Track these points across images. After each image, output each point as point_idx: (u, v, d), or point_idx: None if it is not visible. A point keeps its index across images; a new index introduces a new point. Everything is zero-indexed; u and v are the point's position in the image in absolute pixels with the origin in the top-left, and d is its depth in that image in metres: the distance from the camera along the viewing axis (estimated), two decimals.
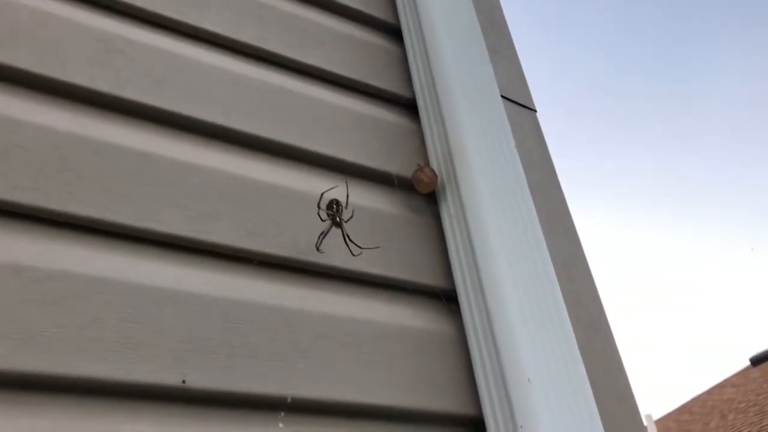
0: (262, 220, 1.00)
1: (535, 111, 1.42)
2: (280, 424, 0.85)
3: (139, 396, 0.80)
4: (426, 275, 1.10)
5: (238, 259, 0.96)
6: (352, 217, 1.04)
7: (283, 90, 1.18)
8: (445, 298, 1.09)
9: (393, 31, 1.43)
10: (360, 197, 1.11)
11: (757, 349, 11.73)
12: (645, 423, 10.61)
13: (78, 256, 0.86)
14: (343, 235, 1.01)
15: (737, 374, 11.83)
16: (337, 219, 1.02)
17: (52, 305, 0.80)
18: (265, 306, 0.93)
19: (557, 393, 0.92)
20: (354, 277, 1.04)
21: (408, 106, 1.32)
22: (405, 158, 1.22)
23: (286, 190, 1.06)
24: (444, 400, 0.98)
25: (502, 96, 1.31)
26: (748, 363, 11.76)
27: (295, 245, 1.00)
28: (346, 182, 1.08)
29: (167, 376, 0.82)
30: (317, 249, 0.99)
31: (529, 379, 0.92)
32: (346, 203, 1.04)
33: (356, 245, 1.02)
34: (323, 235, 1.00)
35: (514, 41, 1.53)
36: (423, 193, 1.19)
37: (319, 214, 1.01)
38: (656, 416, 12.54)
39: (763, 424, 8.84)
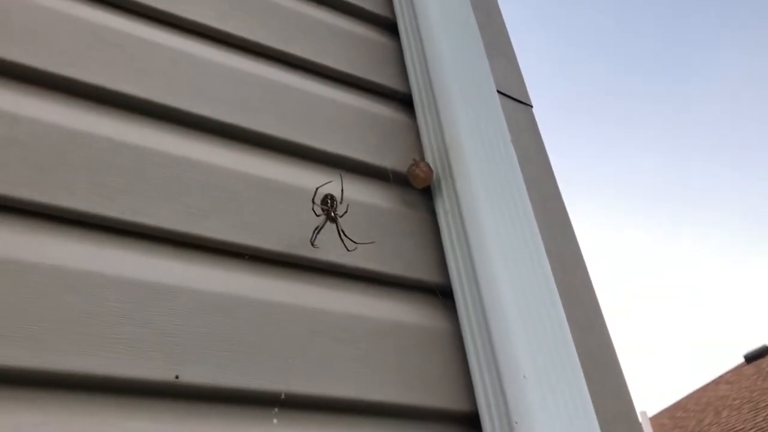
0: (256, 215, 1.00)
1: (531, 106, 1.42)
2: (274, 420, 0.84)
3: (131, 392, 0.79)
4: (421, 270, 1.10)
5: (231, 253, 0.95)
6: (346, 212, 1.03)
7: (277, 84, 1.17)
8: (441, 294, 1.09)
9: (389, 26, 1.42)
10: (355, 192, 1.10)
11: (751, 347, 11.78)
12: (640, 420, 10.64)
13: (70, 250, 0.85)
14: (338, 230, 1.01)
15: (731, 371, 11.88)
16: (332, 214, 1.01)
17: (43, 299, 0.79)
18: (258, 301, 0.92)
19: (553, 389, 0.92)
20: (348, 273, 1.03)
21: (404, 101, 1.32)
22: (400, 153, 1.21)
23: (280, 185, 1.05)
24: (439, 396, 0.98)
25: (498, 91, 1.30)
26: (742, 360, 11.81)
27: (289, 240, 1.00)
28: (341, 177, 1.08)
29: (160, 372, 0.81)
30: (312, 244, 0.98)
31: (524, 376, 0.91)
32: (341, 198, 1.04)
33: (351, 240, 1.01)
34: (318, 230, 0.99)
35: (513, 38, 1.52)
36: (418, 188, 1.18)
37: (313, 209, 1.01)
38: (651, 413, 12.57)
39: (757, 420, 8.87)
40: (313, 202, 1.01)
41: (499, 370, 0.94)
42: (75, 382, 0.77)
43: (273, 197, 1.03)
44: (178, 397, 0.82)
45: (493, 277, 1.01)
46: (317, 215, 1.01)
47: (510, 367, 0.93)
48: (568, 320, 1.02)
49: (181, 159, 0.99)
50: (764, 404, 9.21)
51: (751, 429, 8.78)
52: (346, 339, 0.95)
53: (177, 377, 0.81)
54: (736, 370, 11.71)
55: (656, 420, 12.26)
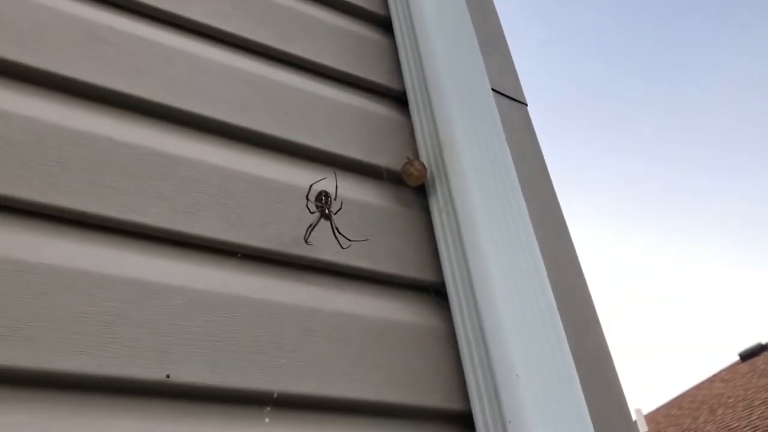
0: (249, 213, 0.99)
1: (526, 104, 1.41)
2: (266, 419, 0.84)
3: (122, 391, 0.79)
4: (415, 269, 1.09)
5: (223, 252, 0.95)
6: (340, 209, 1.03)
7: (271, 81, 1.17)
8: (434, 292, 1.09)
9: (383, 23, 1.41)
10: (349, 190, 1.10)
11: (746, 345, 11.82)
12: (635, 417, 10.68)
13: (61, 248, 0.84)
14: (332, 227, 1.00)
15: (726, 369, 11.91)
16: (326, 211, 1.01)
17: (35, 299, 0.78)
18: (250, 300, 0.92)
19: (546, 388, 0.92)
20: (342, 271, 1.03)
21: (398, 98, 1.31)
22: (394, 151, 1.21)
23: (273, 183, 1.05)
24: (432, 395, 0.97)
25: (492, 89, 1.30)
26: (737, 358, 11.84)
27: (282, 238, 0.99)
28: (335, 175, 1.07)
29: (151, 371, 0.80)
30: (305, 241, 0.98)
31: (517, 375, 0.91)
32: (335, 195, 1.03)
33: (345, 238, 1.01)
34: (312, 227, 0.99)
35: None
36: (412, 186, 1.18)
37: (307, 206, 1.00)
38: (646, 411, 12.60)
39: (752, 418, 8.90)
40: (308, 199, 1.01)
41: (492, 369, 0.94)
42: (68, 382, 0.77)
43: (267, 195, 1.03)
44: (169, 396, 0.81)
45: (487, 276, 1.01)
46: (311, 212, 1.00)
47: (503, 366, 0.93)
48: (562, 319, 1.02)
49: (176, 157, 0.98)
50: (759, 402, 9.23)
51: (746, 427, 8.81)
52: (340, 338, 0.95)
53: (168, 376, 0.81)
54: (731, 368, 11.75)
55: (651, 417, 12.29)
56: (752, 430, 8.56)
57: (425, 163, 1.18)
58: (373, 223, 1.10)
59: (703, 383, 12.20)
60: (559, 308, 1.03)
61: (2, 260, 0.79)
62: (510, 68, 1.46)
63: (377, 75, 1.31)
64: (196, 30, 1.14)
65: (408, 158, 1.17)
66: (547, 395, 0.92)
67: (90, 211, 0.88)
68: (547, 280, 1.06)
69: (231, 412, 0.83)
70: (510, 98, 1.39)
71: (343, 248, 1.01)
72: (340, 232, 1.00)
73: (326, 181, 1.05)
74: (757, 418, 8.79)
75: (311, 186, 1.01)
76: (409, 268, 1.09)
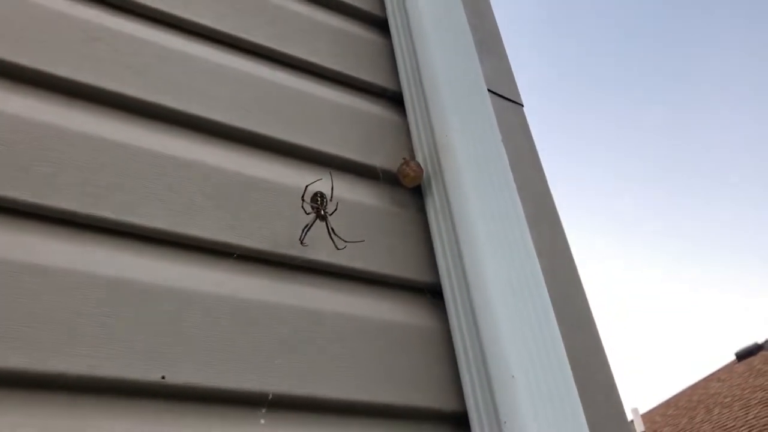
0: (244, 214, 0.99)
1: (522, 105, 1.42)
2: (262, 421, 0.84)
3: (117, 392, 0.79)
4: (411, 270, 1.09)
5: (219, 252, 0.95)
6: (336, 210, 1.03)
7: (266, 82, 1.17)
8: (430, 293, 1.09)
9: (380, 24, 1.41)
10: (345, 191, 1.10)
11: (742, 344, 11.84)
12: (631, 417, 10.69)
13: (56, 249, 0.84)
14: (328, 228, 1.00)
15: (723, 369, 11.93)
16: (322, 212, 1.01)
17: (29, 300, 0.78)
18: (246, 301, 0.91)
19: (541, 389, 0.92)
20: (338, 272, 1.03)
21: (394, 99, 1.31)
22: (390, 152, 1.21)
23: (269, 183, 1.05)
24: (428, 396, 0.97)
25: (488, 90, 1.30)
26: (733, 358, 11.86)
27: (278, 239, 0.99)
28: (331, 175, 1.07)
29: (146, 372, 0.80)
30: (301, 242, 0.98)
31: (512, 375, 0.91)
32: (331, 196, 1.03)
33: (341, 239, 1.01)
34: (307, 228, 0.99)
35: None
36: (408, 186, 1.18)
37: (303, 207, 1.00)
38: (643, 410, 12.63)
39: (748, 418, 8.91)
40: (303, 200, 1.01)
41: (487, 369, 0.94)
42: (63, 383, 0.76)
43: (263, 195, 1.03)
44: (164, 397, 0.81)
45: (483, 277, 1.01)
46: (307, 213, 1.00)
47: (498, 366, 0.93)
48: (558, 319, 1.02)
49: (170, 157, 0.98)
50: (755, 402, 9.25)
51: (742, 426, 8.83)
52: (335, 339, 0.95)
53: (163, 377, 0.81)
54: (727, 368, 11.77)
55: (648, 417, 12.30)
56: (748, 429, 8.58)
57: (421, 164, 1.18)
58: (369, 224, 1.10)
59: (699, 383, 12.22)
60: (554, 308, 1.03)
61: None
62: (506, 69, 1.47)
63: (373, 75, 1.31)
64: (191, 30, 1.14)
65: (404, 159, 1.18)
66: (542, 396, 0.92)
67: (84, 211, 0.88)
68: (542, 280, 1.06)
69: (226, 413, 0.83)
70: (506, 99, 1.39)
71: (338, 249, 1.01)
72: (335, 233, 1.00)
73: (322, 182, 1.05)
74: (753, 418, 8.80)
75: (306, 187, 1.01)
76: (405, 268, 1.09)
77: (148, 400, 0.80)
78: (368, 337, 0.98)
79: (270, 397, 0.85)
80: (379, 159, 1.19)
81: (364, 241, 1.05)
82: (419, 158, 1.21)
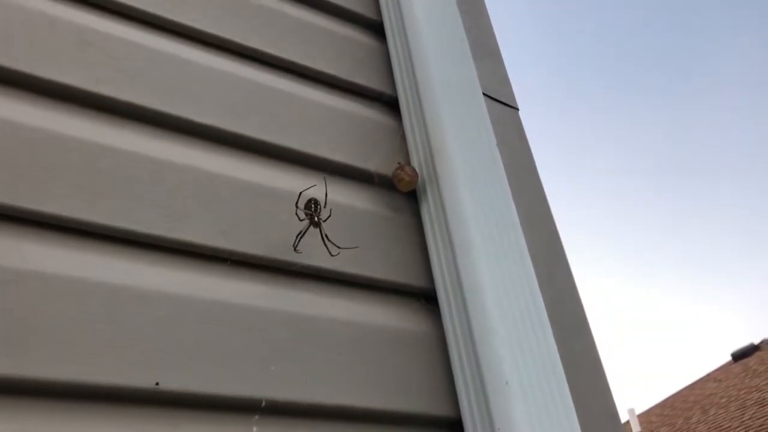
0: (238, 219, 0.99)
1: (518, 109, 1.42)
2: (254, 428, 0.84)
3: (112, 399, 0.79)
4: (405, 275, 1.09)
5: (213, 258, 0.95)
6: (330, 216, 1.03)
7: (262, 86, 1.17)
8: (425, 299, 1.09)
9: (375, 28, 1.41)
10: (339, 195, 1.10)
11: (738, 345, 11.86)
12: (628, 417, 10.70)
13: (50, 255, 0.84)
14: (321, 234, 1.00)
15: (719, 369, 11.95)
16: (315, 218, 1.00)
17: (24, 306, 0.78)
18: (240, 307, 0.91)
19: (535, 395, 0.92)
20: (332, 277, 1.03)
21: (389, 103, 1.31)
22: (385, 156, 1.21)
23: (263, 188, 1.04)
24: (422, 402, 0.97)
25: (484, 94, 1.30)
26: (729, 358, 11.88)
27: (272, 244, 0.99)
28: (325, 181, 1.07)
29: (141, 379, 0.80)
30: (295, 249, 0.98)
31: (507, 382, 0.91)
32: (325, 202, 1.03)
33: (334, 245, 1.01)
34: (301, 234, 0.99)
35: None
36: (403, 191, 1.18)
37: (297, 214, 1.00)
38: (639, 410, 12.64)
39: (744, 419, 8.93)
40: (297, 207, 1.01)
41: (482, 376, 0.94)
42: (57, 390, 0.76)
43: (256, 201, 1.03)
44: (158, 404, 0.81)
45: (478, 282, 1.01)
46: (301, 220, 1.00)
47: (493, 373, 0.93)
48: (553, 324, 1.02)
49: (164, 162, 0.98)
50: (751, 402, 9.27)
51: (738, 427, 8.85)
52: (329, 344, 0.95)
53: (157, 384, 0.80)
54: (723, 368, 11.79)
55: (644, 417, 12.32)
56: (744, 430, 8.60)
57: (416, 168, 1.18)
58: (363, 228, 1.10)
59: (695, 383, 12.24)
60: (549, 313, 1.04)
61: None
62: (502, 73, 1.47)
63: (369, 79, 1.31)
64: (185, 33, 1.14)
65: (399, 163, 1.17)
66: (536, 402, 0.92)
67: (78, 217, 0.88)
68: (537, 285, 1.06)
69: (220, 419, 0.83)
70: (501, 103, 1.39)
71: (332, 255, 1.00)
72: (329, 240, 1.00)
73: (316, 188, 1.05)
74: (749, 418, 8.82)
75: (300, 193, 1.01)
76: (400, 273, 1.09)
77: (143, 406, 0.80)
78: (362, 343, 0.98)
79: (263, 404, 0.85)
80: (374, 163, 1.19)
81: (357, 247, 1.05)
82: (414, 163, 1.21)
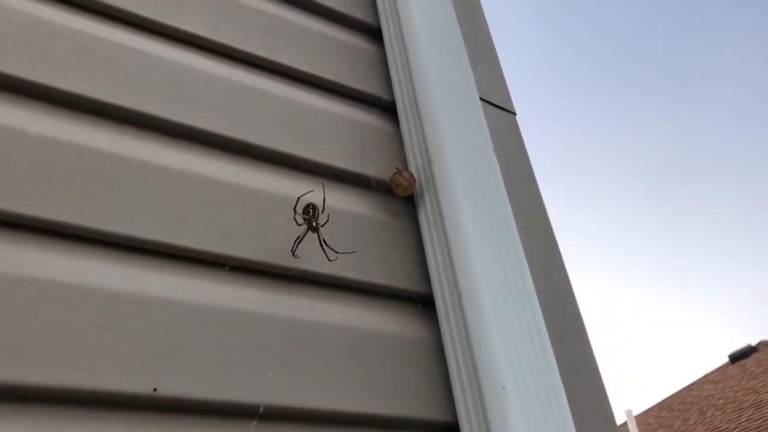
0: (236, 224, 0.99)
1: (515, 114, 1.42)
2: None
3: (109, 404, 0.79)
4: (403, 280, 1.10)
5: (211, 263, 0.95)
6: (328, 221, 1.03)
7: (260, 91, 1.17)
8: (422, 303, 1.09)
9: (373, 33, 1.42)
10: (337, 200, 1.10)
11: (736, 346, 11.88)
12: (625, 418, 10.70)
13: (48, 261, 0.84)
14: (320, 239, 1.01)
15: (716, 371, 11.97)
16: (314, 223, 1.01)
17: (21, 312, 0.78)
18: (238, 312, 0.92)
19: (532, 400, 0.92)
20: (330, 282, 1.03)
21: (387, 108, 1.32)
22: (383, 161, 1.21)
23: (261, 193, 1.05)
24: (419, 407, 0.98)
25: (481, 99, 1.30)
26: (727, 360, 11.90)
27: (270, 249, 0.99)
28: (323, 186, 1.07)
29: (138, 384, 0.80)
30: (293, 254, 0.98)
31: (504, 387, 0.91)
32: (323, 207, 1.04)
33: (332, 250, 1.01)
34: (299, 240, 0.99)
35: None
36: (401, 196, 1.18)
37: (295, 219, 1.00)
38: (636, 412, 12.65)
39: (741, 420, 8.95)
40: (295, 212, 1.01)
41: (479, 381, 0.94)
42: (54, 396, 0.76)
43: (255, 206, 1.03)
44: (156, 409, 0.81)
45: (475, 287, 1.02)
46: (299, 225, 1.01)
47: (490, 378, 0.93)
48: (550, 328, 1.03)
49: (163, 168, 0.98)
50: (748, 404, 9.28)
51: (735, 429, 8.86)
52: (327, 349, 0.95)
53: (155, 390, 0.81)
54: (720, 370, 11.80)
55: (642, 419, 12.33)
56: (741, 431, 8.60)
57: (414, 173, 1.18)
58: (361, 233, 1.10)
59: (693, 385, 12.26)
60: (546, 318, 1.04)
61: None
62: (499, 77, 1.47)
63: (367, 85, 1.31)
64: (184, 40, 1.14)
65: (397, 168, 1.18)
66: (533, 407, 0.92)
67: (76, 223, 0.88)
68: (534, 290, 1.06)
69: (217, 425, 0.83)
70: (499, 107, 1.40)
71: (330, 260, 1.01)
72: (327, 245, 1.01)
73: (314, 193, 1.05)
74: (746, 420, 8.84)
75: (299, 198, 1.01)
76: (397, 278, 1.09)
77: (140, 412, 0.80)
78: (360, 348, 0.98)
79: (261, 410, 0.85)
80: (372, 168, 1.19)
81: (355, 252, 1.05)
82: (412, 168, 1.21)
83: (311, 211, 1.01)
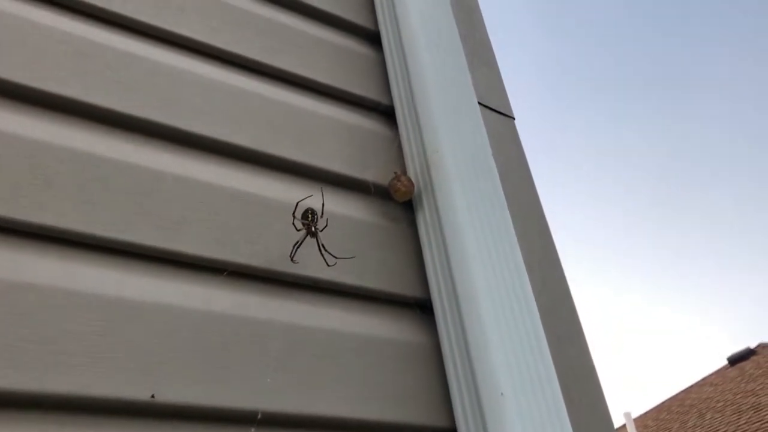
0: (235, 229, 0.99)
1: (513, 118, 1.42)
2: None
3: (107, 411, 0.79)
4: (402, 285, 1.09)
5: (209, 269, 0.95)
6: (326, 226, 1.03)
7: (258, 96, 1.17)
8: (421, 309, 1.09)
9: (372, 38, 1.42)
10: (336, 205, 1.10)
11: (735, 349, 11.88)
12: (624, 421, 10.70)
13: (46, 267, 0.84)
14: (318, 245, 1.01)
15: (715, 373, 11.97)
16: (312, 229, 1.01)
17: (19, 318, 0.78)
18: (236, 317, 0.92)
19: (530, 406, 0.92)
20: (328, 287, 1.03)
21: (386, 113, 1.32)
22: (382, 166, 1.21)
23: (260, 199, 1.05)
24: (418, 412, 0.98)
25: (479, 103, 1.30)
26: (726, 362, 11.90)
27: (268, 255, 0.99)
28: (322, 191, 1.07)
29: (136, 391, 0.80)
30: (291, 259, 0.98)
31: (502, 393, 0.91)
32: (322, 212, 1.04)
33: (331, 255, 1.01)
34: (297, 245, 0.99)
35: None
36: (400, 201, 1.18)
37: (294, 224, 1.00)
38: (635, 414, 12.65)
39: (740, 423, 8.95)
40: (294, 217, 1.01)
41: (477, 386, 0.94)
42: (52, 403, 0.76)
43: (253, 211, 1.03)
44: (154, 416, 0.81)
45: (473, 292, 1.02)
46: (297, 230, 1.01)
47: (488, 383, 0.93)
48: (548, 333, 1.03)
49: (160, 173, 0.98)
50: (747, 407, 9.29)
51: (734, 431, 8.85)
52: (325, 355, 0.95)
53: (153, 396, 0.81)
54: (720, 372, 11.80)
55: (640, 421, 12.33)
56: None
57: (412, 178, 1.18)
58: (360, 238, 1.10)
59: (692, 387, 12.26)
60: (543, 322, 1.04)
61: None
62: (497, 82, 1.47)
63: (365, 89, 1.31)
64: (182, 44, 1.14)
65: (395, 173, 1.18)
66: (531, 413, 0.92)
67: (74, 229, 0.88)
68: (532, 295, 1.06)
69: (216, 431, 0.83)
70: (497, 112, 1.40)
71: (329, 266, 1.01)
72: (326, 250, 1.01)
73: (313, 198, 1.05)
74: (745, 423, 8.84)
75: (297, 203, 1.01)
76: (396, 283, 1.09)
77: (138, 418, 0.80)
78: (358, 353, 0.98)
79: (259, 416, 0.85)
80: (371, 173, 1.19)
81: (354, 257, 1.05)
82: (410, 172, 1.21)
83: (310, 216, 1.01)
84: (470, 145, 1.21)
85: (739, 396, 9.95)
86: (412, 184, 1.17)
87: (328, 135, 1.20)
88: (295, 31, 1.30)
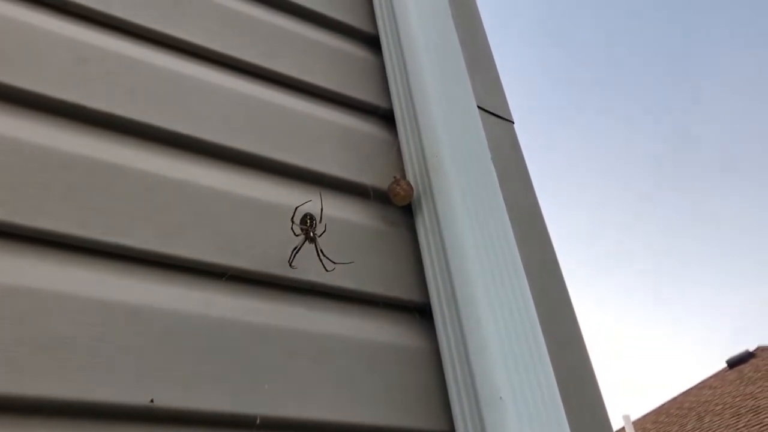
0: (233, 234, 0.99)
1: (513, 122, 1.42)
2: None
3: (106, 416, 0.79)
4: (400, 289, 1.09)
5: (208, 273, 0.95)
6: (325, 231, 1.03)
7: (257, 100, 1.17)
8: (420, 313, 1.09)
9: (371, 41, 1.42)
10: (335, 209, 1.10)
11: (734, 352, 11.88)
12: (623, 424, 10.69)
13: (44, 271, 0.84)
14: (317, 250, 1.00)
15: (714, 376, 11.96)
16: (311, 234, 1.01)
17: (17, 323, 0.78)
18: (235, 322, 0.92)
19: (529, 411, 0.92)
20: (327, 292, 1.03)
21: (385, 117, 1.32)
22: (381, 170, 1.21)
23: (259, 203, 1.05)
24: (417, 417, 0.98)
25: (479, 107, 1.30)
26: (725, 365, 11.90)
27: (267, 259, 0.99)
28: (321, 195, 1.07)
29: (135, 396, 0.80)
30: (290, 264, 0.98)
31: (501, 397, 0.91)
32: (320, 217, 1.03)
33: (330, 260, 1.01)
34: (296, 250, 0.99)
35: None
36: (399, 205, 1.18)
37: (292, 229, 1.00)
38: (634, 417, 12.64)
39: (739, 426, 8.94)
40: (292, 222, 1.01)
41: (476, 391, 0.94)
42: (51, 408, 0.76)
43: (252, 216, 1.03)
44: (153, 421, 0.81)
45: (472, 296, 1.02)
46: (296, 235, 1.01)
47: (487, 388, 0.93)
48: (547, 336, 1.03)
49: (157, 177, 0.98)
50: (746, 410, 9.28)
51: None
52: (324, 359, 0.95)
53: (152, 401, 0.81)
54: (718, 375, 11.80)
55: (639, 424, 12.32)
56: None
57: (412, 183, 1.18)
58: (359, 242, 1.10)
59: (690, 390, 12.25)
60: (543, 327, 1.04)
61: None
62: (497, 86, 1.47)
63: (365, 93, 1.31)
64: (182, 49, 1.14)
65: (395, 177, 1.18)
66: (530, 417, 0.92)
67: (73, 233, 0.88)
68: (531, 300, 1.06)
69: None
70: (496, 116, 1.40)
71: (327, 271, 1.01)
72: (324, 255, 1.01)
73: (312, 202, 1.05)
74: (744, 426, 8.83)
75: (296, 208, 1.01)
76: (395, 288, 1.09)
77: (137, 423, 0.80)
78: (357, 358, 0.98)
79: (258, 421, 0.85)
80: (370, 177, 1.19)
81: (353, 262, 1.05)
82: (410, 176, 1.21)
83: (309, 221, 1.01)
84: (470, 150, 1.21)
85: (737, 399, 9.94)
86: (412, 189, 1.17)
87: (327, 139, 1.20)
88: (295, 35, 1.30)
